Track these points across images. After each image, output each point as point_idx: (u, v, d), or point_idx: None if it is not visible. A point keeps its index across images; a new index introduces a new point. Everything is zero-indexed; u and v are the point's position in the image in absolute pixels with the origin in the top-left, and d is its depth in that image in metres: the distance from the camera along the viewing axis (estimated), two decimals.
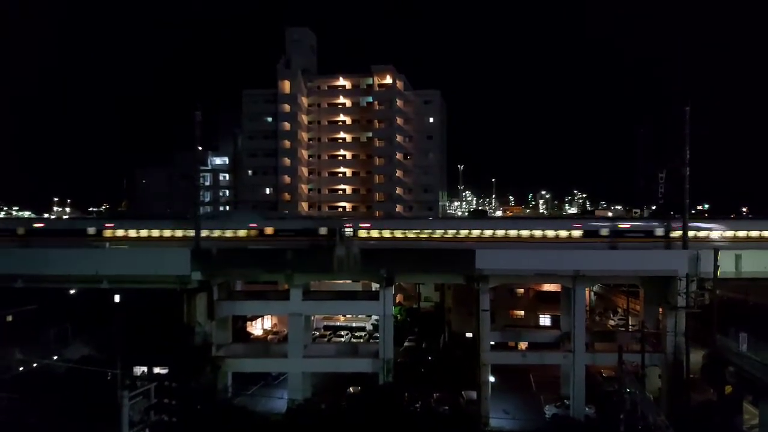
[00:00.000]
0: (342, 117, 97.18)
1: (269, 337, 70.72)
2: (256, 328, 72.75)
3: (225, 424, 36.20)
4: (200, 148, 58.44)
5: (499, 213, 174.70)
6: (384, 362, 47.51)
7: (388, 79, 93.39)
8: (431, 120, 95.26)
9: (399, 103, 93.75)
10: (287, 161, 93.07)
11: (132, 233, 56.25)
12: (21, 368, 47.83)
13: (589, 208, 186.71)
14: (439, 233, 53.70)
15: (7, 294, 50.49)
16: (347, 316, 71.90)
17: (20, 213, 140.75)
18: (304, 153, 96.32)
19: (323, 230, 53.94)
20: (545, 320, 66.45)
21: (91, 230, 56.65)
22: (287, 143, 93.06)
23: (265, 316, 73.43)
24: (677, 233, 49.91)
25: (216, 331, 50.36)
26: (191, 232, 52.54)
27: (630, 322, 65.16)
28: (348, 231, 53.36)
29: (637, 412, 32.91)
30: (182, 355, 44.83)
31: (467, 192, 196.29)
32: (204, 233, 52.70)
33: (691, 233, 49.35)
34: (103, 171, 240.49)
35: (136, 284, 49.26)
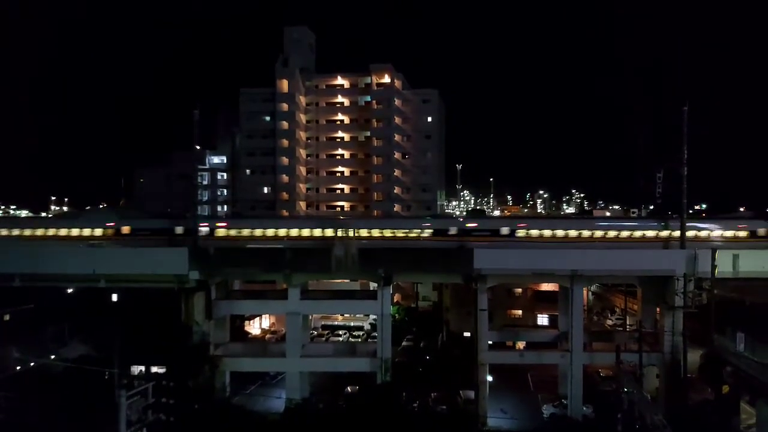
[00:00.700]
0: (340, 116, 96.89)
1: (267, 336, 70.73)
2: (254, 328, 72.73)
3: (223, 424, 36.23)
4: (198, 147, 58.38)
5: (497, 212, 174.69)
6: (382, 362, 47.60)
7: (387, 78, 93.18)
8: (429, 119, 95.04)
9: (397, 102, 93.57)
10: (285, 160, 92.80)
11: None
12: (18, 367, 47.83)
13: (587, 208, 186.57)
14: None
15: (5, 293, 50.38)
16: (345, 315, 71.95)
17: (17, 212, 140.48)
18: (303, 152, 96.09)
19: (179, 230, 54.64)
20: (543, 320, 66.44)
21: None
22: (285, 142, 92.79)
23: (263, 316, 73.40)
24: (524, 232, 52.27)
25: (214, 331, 50.40)
26: None
27: (628, 322, 65.34)
28: (204, 229, 54.09)
29: (634, 412, 32.93)
30: (180, 355, 44.92)
31: (465, 191, 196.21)
32: (62, 232, 55.18)
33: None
34: (100, 170, 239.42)
35: (134, 283, 49.16)
